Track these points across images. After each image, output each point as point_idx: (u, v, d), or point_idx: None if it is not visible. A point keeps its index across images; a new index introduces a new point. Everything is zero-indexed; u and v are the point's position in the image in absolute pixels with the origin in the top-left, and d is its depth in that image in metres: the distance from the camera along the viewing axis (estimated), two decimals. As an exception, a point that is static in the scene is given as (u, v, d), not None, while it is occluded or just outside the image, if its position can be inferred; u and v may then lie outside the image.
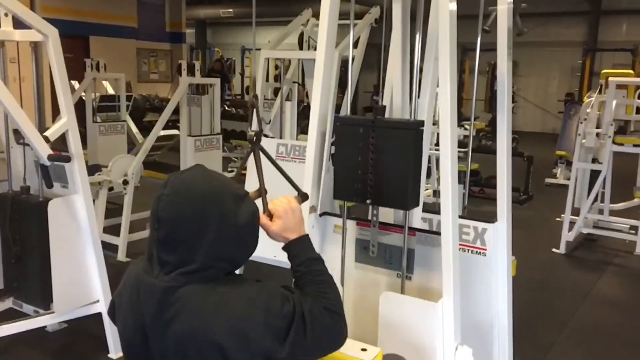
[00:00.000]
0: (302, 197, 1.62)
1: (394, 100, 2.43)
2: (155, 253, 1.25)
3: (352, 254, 2.39)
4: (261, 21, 19.30)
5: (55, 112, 3.09)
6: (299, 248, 1.45)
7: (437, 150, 2.58)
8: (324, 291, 1.40)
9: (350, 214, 2.33)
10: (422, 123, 2.11)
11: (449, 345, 2.06)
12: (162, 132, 9.32)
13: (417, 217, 2.57)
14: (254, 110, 1.85)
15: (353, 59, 2.64)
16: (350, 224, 2.36)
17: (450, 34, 2.00)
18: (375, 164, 2.05)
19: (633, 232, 5.62)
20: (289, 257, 1.46)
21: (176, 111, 12.54)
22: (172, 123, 11.97)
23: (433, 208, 2.76)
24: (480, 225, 2.40)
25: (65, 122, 2.87)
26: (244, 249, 1.30)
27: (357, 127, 2.09)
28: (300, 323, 1.25)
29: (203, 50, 18.17)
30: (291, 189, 1.69)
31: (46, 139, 2.78)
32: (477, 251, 2.42)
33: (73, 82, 7.70)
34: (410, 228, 2.27)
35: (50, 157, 2.78)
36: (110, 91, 8.28)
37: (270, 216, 1.44)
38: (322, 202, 2.38)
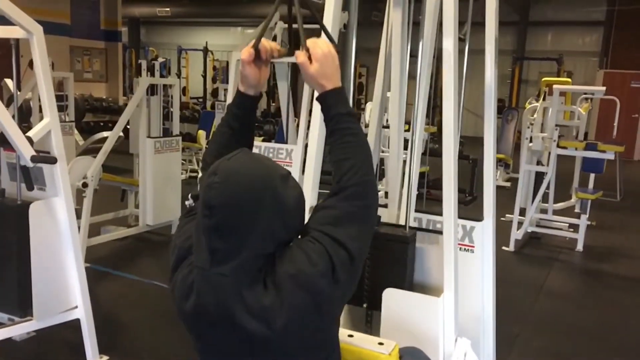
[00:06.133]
0: (337, 49, 1.49)
1: (392, 104, 2.55)
2: (205, 241, 1.24)
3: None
4: (199, 21, 18.99)
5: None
6: (333, 100, 1.42)
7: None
8: (346, 157, 1.38)
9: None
10: (414, 235, 2.30)
11: (449, 338, 2.17)
12: (106, 134, 9.06)
13: (411, 216, 2.69)
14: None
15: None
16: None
17: (454, 39, 2.13)
18: (371, 271, 2.20)
19: (572, 230, 6.02)
20: (322, 109, 1.45)
21: (115, 112, 12.12)
22: (105, 124, 11.62)
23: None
24: (469, 223, 2.52)
25: (49, 122, 2.78)
26: (292, 231, 1.30)
27: None
28: (336, 247, 1.26)
29: (137, 50, 17.68)
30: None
31: (29, 140, 2.69)
32: (465, 248, 2.55)
33: (7, 80, 7.35)
34: (410, 227, 2.38)
35: (34, 159, 2.69)
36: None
37: (309, 56, 1.38)
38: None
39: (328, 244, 1.26)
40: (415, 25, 2.52)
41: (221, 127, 1.60)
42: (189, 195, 1.48)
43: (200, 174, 1.57)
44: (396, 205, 2.63)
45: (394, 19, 2.42)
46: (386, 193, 4.66)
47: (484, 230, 2.55)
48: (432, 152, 7.93)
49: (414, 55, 2.48)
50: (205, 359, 1.41)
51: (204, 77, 14.47)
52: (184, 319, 1.35)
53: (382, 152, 4.88)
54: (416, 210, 2.72)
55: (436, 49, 2.56)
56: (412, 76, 2.51)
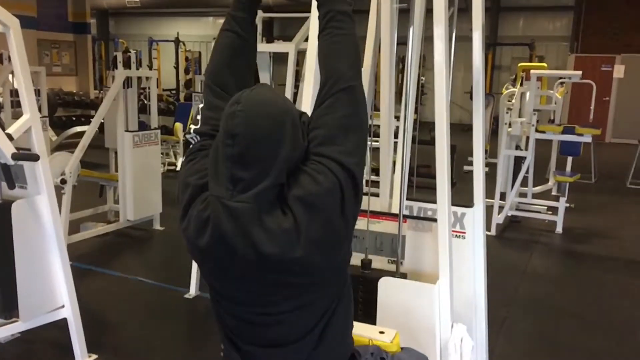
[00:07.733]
0: None
1: (382, 92, 2.53)
2: (225, 171, 1.22)
3: (344, 243, 2.47)
4: (169, 12, 18.59)
5: None
6: None
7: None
8: (334, 60, 1.37)
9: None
10: (405, 277, 2.31)
11: (446, 324, 2.19)
12: (79, 129, 8.87)
13: (403, 205, 2.69)
14: None
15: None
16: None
17: (445, 27, 2.12)
18: (363, 313, 2.23)
19: (550, 212, 6.11)
20: (318, 5, 1.43)
21: (86, 105, 11.85)
22: (77, 119, 11.36)
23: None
24: (460, 210, 2.53)
25: (29, 119, 2.70)
26: (300, 161, 1.30)
27: None
28: (334, 165, 1.27)
29: (106, 42, 17.31)
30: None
31: (9, 137, 2.61)
32: (457, 234, 2.56)
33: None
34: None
35: (15, 156, 2.61)
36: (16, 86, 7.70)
37: None
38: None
39: (327, 163, 1.27)
40: (400, 13, 2.50)
41: (223, 38, 1.53)
42: (191, 129, 1.42)
43: (202, 104, 1.50)
44: (387, 194, 2.63)
45: (383, 6, 2.40)
46: (369, 181, 4.65)
47: (475, 217, 2.56)
48: (413, 139, 8.01)
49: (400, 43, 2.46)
50: (219, 292, 1.38)
51: (177, 68, 14.27)
52: (197, 254, 1.33)
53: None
54: (406, 199, 2.73)
55: (423, 37, 2.55)
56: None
